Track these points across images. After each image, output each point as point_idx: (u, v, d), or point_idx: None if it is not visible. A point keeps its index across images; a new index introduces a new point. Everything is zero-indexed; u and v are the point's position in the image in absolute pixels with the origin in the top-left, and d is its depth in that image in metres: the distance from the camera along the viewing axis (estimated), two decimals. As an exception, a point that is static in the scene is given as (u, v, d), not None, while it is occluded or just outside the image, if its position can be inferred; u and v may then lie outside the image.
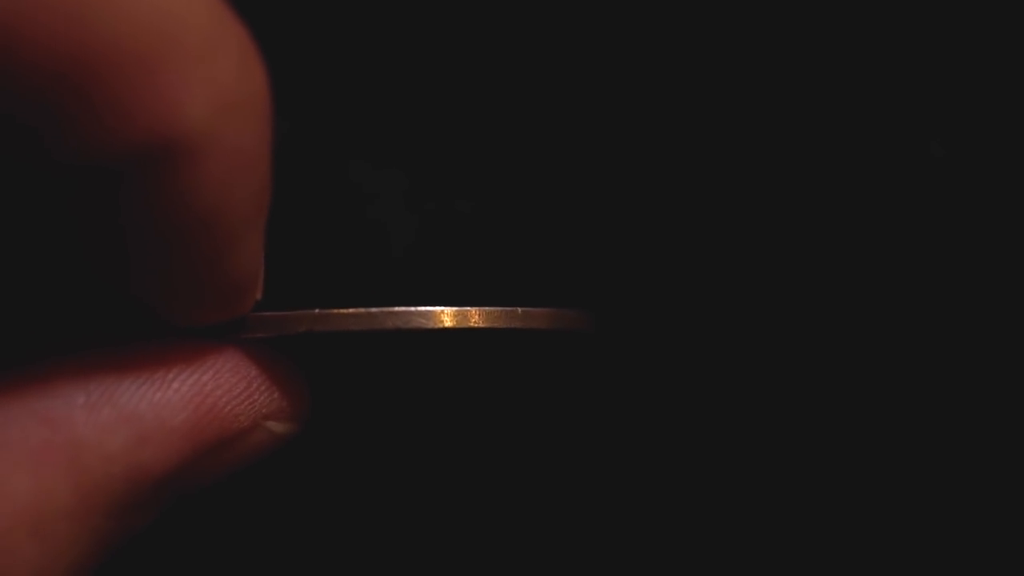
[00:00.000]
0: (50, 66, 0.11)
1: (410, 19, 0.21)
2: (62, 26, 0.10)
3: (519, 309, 0.16)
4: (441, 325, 0.15)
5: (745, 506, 0.21)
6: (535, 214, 0.21)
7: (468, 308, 0.16)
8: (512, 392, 0.21)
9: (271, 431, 0.15)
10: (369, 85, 0.21)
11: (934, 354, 0.20)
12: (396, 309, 0.15)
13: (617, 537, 0.21)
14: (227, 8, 0.12)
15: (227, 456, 0.15)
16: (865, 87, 0.20)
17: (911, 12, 0.20)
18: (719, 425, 0.21)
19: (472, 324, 0.16)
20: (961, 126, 0.20)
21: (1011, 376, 0.20)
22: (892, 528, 0.20)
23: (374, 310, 0.15)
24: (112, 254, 0.13)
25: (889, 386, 0.20)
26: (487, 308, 0.16)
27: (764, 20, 0.21)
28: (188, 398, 0.14)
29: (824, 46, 0.20)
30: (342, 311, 0.15)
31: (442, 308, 0.15)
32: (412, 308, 0.15)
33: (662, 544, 0.21)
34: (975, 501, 0.20)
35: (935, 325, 0.20)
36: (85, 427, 0.13)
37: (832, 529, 0.20)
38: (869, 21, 0.20)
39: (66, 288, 0.14)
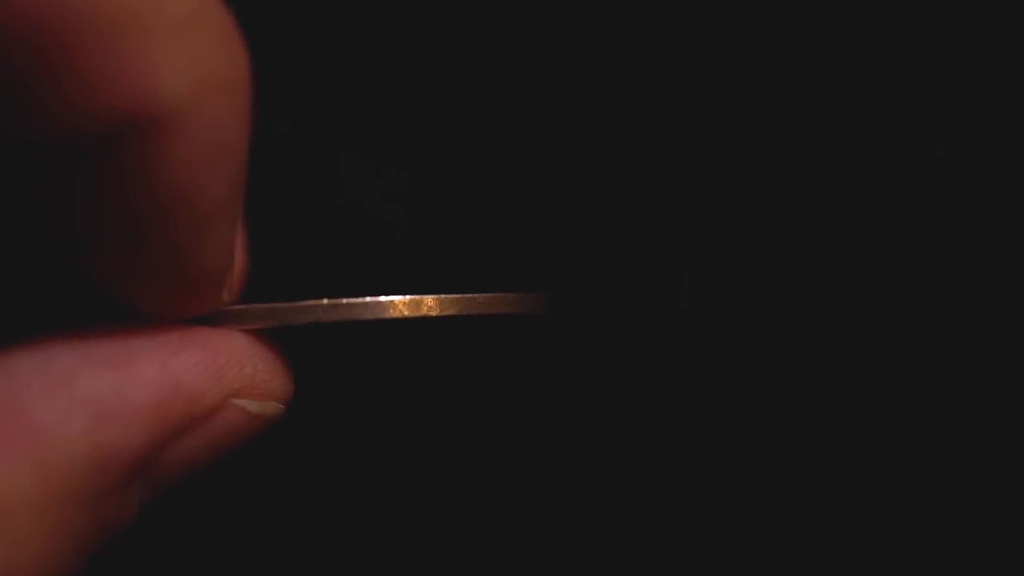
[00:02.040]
0: (15, 31, 0.10)
1: (409, 19, 0.21)
2: None
3: (472, 295, 0.16)
4: (394, 314, 0.15)
5: (708, 493, 0.21)
6: (520, 204, 0.21)
7: (423, 296, 0.15)
8: (476, 376, 0.20)
9: (246, 410, 0.15)
10: (367, 83, 0.21)
11: (934, 352, 0.20)
12: (345, 300, 0.15)
13: (579, 520, 0.21)
14: None
15: (198, 439, 0.14)
16: (869, 87, 0.20)
17: (915, 12, 0.20)
18: (683, 409, 0.20)
19: (425, 312, 0.15)
20: (963, 126, 0.20)
21: (1011, 375, 0.20)
22: (891, 527, 0.20)
23: (325, 302, 0.15)
24: (77, 237, 0.13)
25: (886, 382, 0.20)
26: (441, 296, 0.16)
27: (769, 20, 0.21)
28: (150, 376, 0.13)
29: (828, 46, 0.20)
30: (287, 305, 0.15)
31: (396, 297, 0.15)
32: (366, 299, 0.15)
33: (626, 527, 0.21)
34: (975, 501, 0.20)
35: (935, 322, 0.20)
36: (43, 410, 0.13)
37: (804, 518, 0.20)
38: (874, 22, 0.20)
39: (31, 273, 0.14)
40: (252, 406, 0.15)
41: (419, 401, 0.20)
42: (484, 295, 0.16)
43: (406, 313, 0.15)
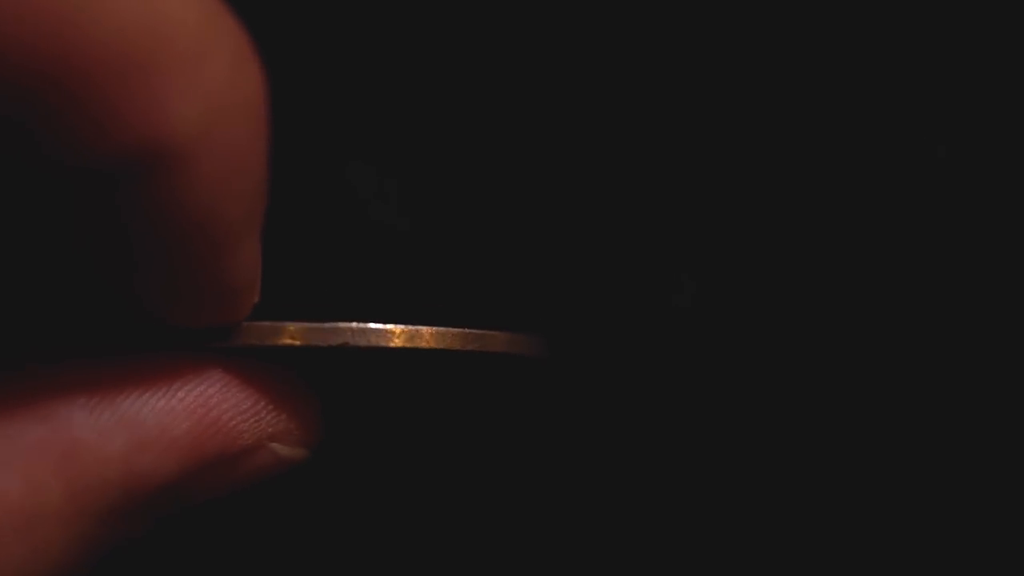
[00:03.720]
0: (38, 68, 0.11)
1: (410, 21, 0.21)
2: (50, 28, 0.10)
3: (471, 331, 0.16)
4: (389, 344, 0.15)
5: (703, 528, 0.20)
6: (520, 207, 0.21)
7: (420, 327, 0.15)
8: (467, 412, 0.21)
9: (276, 453, 0.15)
10: (367, 87, 0.21)
11: (934, 355, 0.20)
12: (341, 325, 0.15)
13: (583, 535, 0.21)
14: (222, 8, 0.12)
15: (228, 474, 0.14)
16: (871, 90, 0.20)
17: (917, 14, 0.20)
18: (676, 451, 0.20)
19: (422, 344, 0.15)
20: (966, 129, 0.20)
21: (1012, 376, 0.20)
22: (894, 531, 0.20)
23: (325, 325, 0.15)
24: (112, 256, 0.13)
25: (890, 386, 0.20)
26: (440, 328, 0.15)
27: (769, 21, 0.21)
28: (192, 409, 0.14)
29: (829, 48, 0.20)
30: (267, 324, 0.15)
31: (393, 326, 0.15)
32: (362, 324, 0.15)
33: (629, 538, 0.21)
34: (975, 501, 0.20)
35: (937, 325, 0.20)
36: (84, 428, 0.13)
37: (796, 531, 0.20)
38: (876, 24, 0.20)
39: (71, 289, 0.14)
40: (283, 450, 0.15)
41: (415, 422, 0.21)
42: (486, 332, 0.16)
43: (398, 343, 0.15)
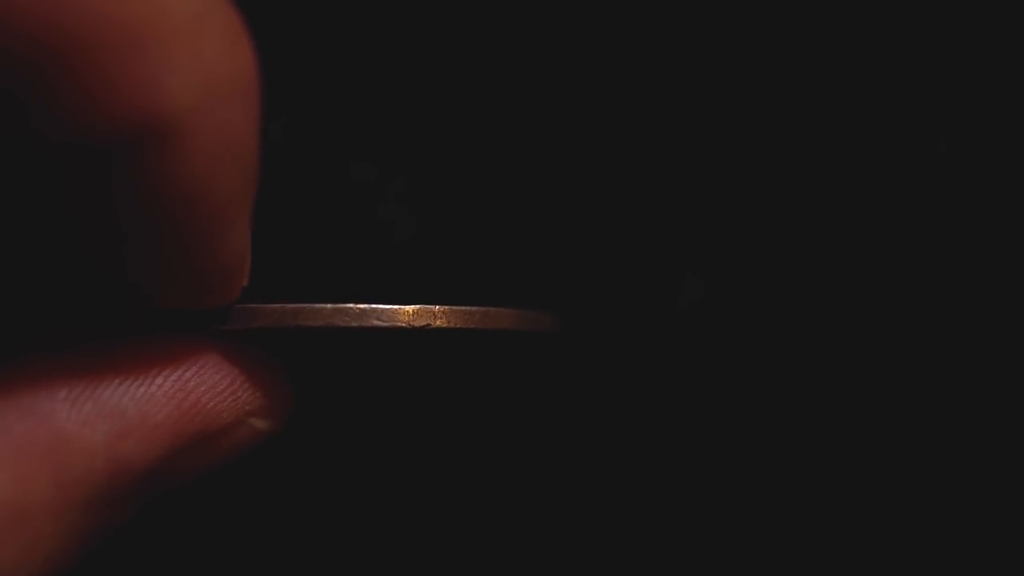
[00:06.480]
0: (33, 40, 0.11)
1: (412, 19, 0.21)
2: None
3: (479, 309, 0.16)
4: (401, 324, 0.15)
5: (707, 509, 0.21)
6: (530, 213, 0.21)
7: (432, 307, 0.15)
8: (480, 391, 0.21)
9: (253, 427, 0.15)
10: (371, 85, 0.21)
11: (934, 352, 0.20)
12: (350, 306, 0.15)
13: (577, 539, 0.21)
14: None
15: (208, 453, 0.15)
16: (872, 87, 0.21)
17: (918, 12, 0.20)
18: (685, 428, 0.21)
19: (435, 324, 0.15)
20: (967, 126, 0.20)
21: (1011, 375, 0.20)
22: (890, 528, 0.20)
23: (329, 306, 0.15)
24: (105, 235, 0.13)
25: (892, 386, 0.20)
26: (451, 307, 0.16)
27: (771, 20, 0.21)
28: (171, 394, 0.14)
29: (831, 46, 0.21)
30: (290, 306, 0.15)
31: (404, 307, 0.15)
32: (374, 305, 0.15)
33: (630, 534, 0.21)
34: (975, 501, 0.20)
35: (939, 323, 0.20)
36: (67, 420, 0.13)
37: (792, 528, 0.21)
38: (877, 21, 0.21)
39: (53, 277, 0.14)
40: (259, 424, 0.15)
41: (420, 407, 0.21)
42: (496, 309, 0.16)
43: (411, 323, 0.15)
